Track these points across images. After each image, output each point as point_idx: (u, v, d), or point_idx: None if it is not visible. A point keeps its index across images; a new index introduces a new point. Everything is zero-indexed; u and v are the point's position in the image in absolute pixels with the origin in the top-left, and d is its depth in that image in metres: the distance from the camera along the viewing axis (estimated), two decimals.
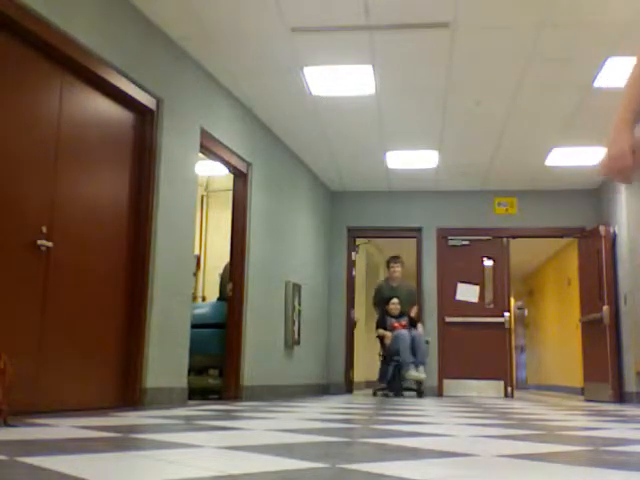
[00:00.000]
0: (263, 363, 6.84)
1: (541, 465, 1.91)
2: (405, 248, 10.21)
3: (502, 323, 9.26)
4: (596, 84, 5.97)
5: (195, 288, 8.45)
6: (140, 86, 4.83)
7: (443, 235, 9.50)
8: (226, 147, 6.20)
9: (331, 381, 9.34)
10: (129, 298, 4.73)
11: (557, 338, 14.51)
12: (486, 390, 9.10)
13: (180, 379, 5.20)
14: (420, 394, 8.63)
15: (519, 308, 19.32)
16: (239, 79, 6.06)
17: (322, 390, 8.96)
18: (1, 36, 3.69)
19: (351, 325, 9.64)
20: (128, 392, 4.64)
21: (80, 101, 4.30)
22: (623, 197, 8.23)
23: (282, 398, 6.96)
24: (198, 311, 6.58)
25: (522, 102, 6.44)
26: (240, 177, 6.68)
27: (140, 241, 4.84)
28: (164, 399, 4.92)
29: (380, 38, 5.24)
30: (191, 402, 5.44)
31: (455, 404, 6.53)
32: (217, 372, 6.54)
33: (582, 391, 9.32)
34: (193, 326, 5.77)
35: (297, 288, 7.85)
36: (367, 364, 12.99)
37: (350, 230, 9.73)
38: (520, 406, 6.45)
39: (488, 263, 9.51)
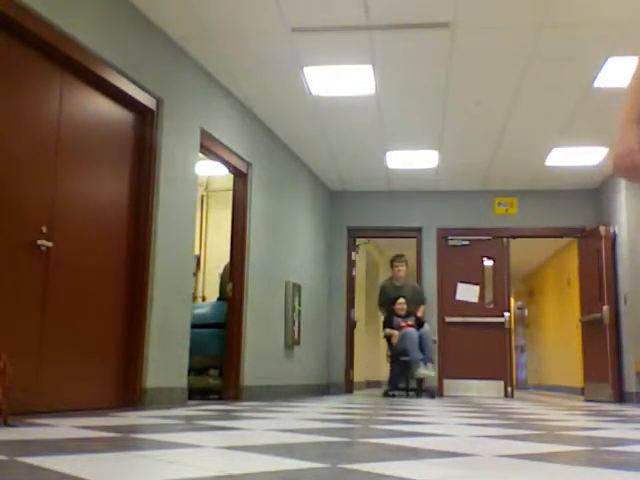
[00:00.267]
0: (263, 363, 6.84)
1: (541, 465, 1.91)
2: (405, 248, 10.20)
3: (502, 323, 9.26)
4: (596, 84, 5.97)
5: (195, 288, 8.45)
6: (140, 86, 4.83)
7: (443, 235, 9.50)
8: (226, 147, 6.20)
9: (331, 381, 9.34)
10: (129, 298, 4.73)
11: (557, 338, 14.51)
12: (486, 390, 9.10)
13: (180, 379, 5.20)
14: (432, 395, 8.54)
15: (519, 308, 19.32)
16: (239, 79, 6.06)
17: (322, 390, 8.96)
18: (1, 36, 3.69)
19: (351, 325, 9.63)
20: (128, 392, 4.64)
21: (80, 101, 4.30)
22: (623, 197, 8.23)
23: (282, 398, 6.96)
24: (198, 311, 6.58)
25: (522, 102, 6.44)
26: (240, 177, 6.68)
27: (140, 241, 4.84)
28: (164, 399, 4.92)
29: (380, 38, 5.24)
30: (191, 402, 5.44)
31: (455, 404, 6.53)
32: (217, 372, 6.54)
33: (582, 391, 9.32)
34: (193, 326, 5.77)
35: (297, 288, 7.85)
36: (367, 364, 12.99)
37: (350, 230, 9.73)
38: (520, 406, 6.45)
39: (488, 263, 9.51)
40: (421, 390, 8.69)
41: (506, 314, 9.29)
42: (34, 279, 3.83)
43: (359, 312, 11.00)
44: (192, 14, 4.94)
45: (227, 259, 6.70)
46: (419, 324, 8.65)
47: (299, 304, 7.90)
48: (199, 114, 5.66)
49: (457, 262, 9.41)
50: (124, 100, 4.73)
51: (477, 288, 9.39)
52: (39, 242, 3.86)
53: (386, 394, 8.63)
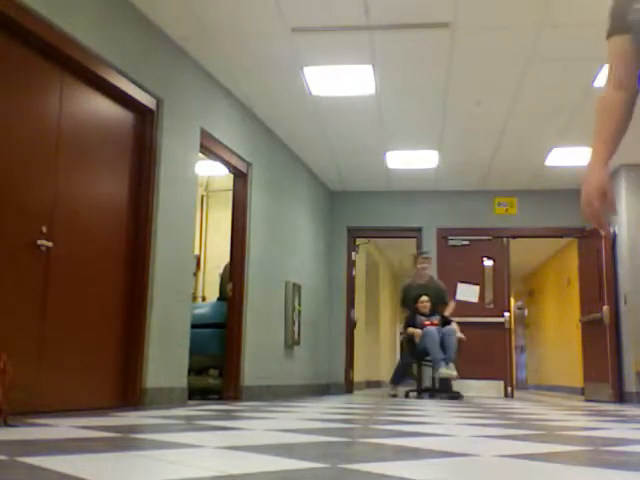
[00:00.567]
0: (263, 363, 6.84)
1: (541, 465, 1.91)
2: (405, 248, 10.21)
3: (502, 323, 9.26)
4: (596, 84, 5.97)
5: (195, 288, 8.44)
6: (140, 86, 4.83)
7: (443, 235, 9.50)
8: (226, 147, 6.20)
9: (331, 381, 9.34)
10: (129, 298, 4.73)
11: (557, 338, 14.51)
12: (486, 390, 9.10)
13: (180, 379, 5.20)
14: (456, 397, 8.12)
15: (519, 308, 19.32)
16: (239, 79, 6.06)
17: (322, 390, 8.96)
18: (1, 36, 3.69)
19: (351, 325, 9.63)
20: (128, 392, 4.64)
21: (80, 101, 4.30)
22: (623, 197, 8.23)
23: (282, 398, 6.96)
24: (198, 311, 6.58)
25: (522, 102, 6.44)
26: (240, 177, 6.68)
27: (140, 241, 4.84)
28: (164, 399, 4.92)
29: (380, 38, 5.24)
30: (191, 402, 5.44)
31: (455, 404, 6.53)
32: (217, 372, 6.54)
33: (582, 391, 9.32)
34: (193, 326, 5.77)
35: (297, 288, 7.85)
36: (367, 364, 12.99)
37: (350, 230, 9.73)
38: (520, 406, 6.45)
39: (488, 263, 9.51)
40: (445, 391, 8.30)
41: (506, 314, 9.29)
42: (34, 279, 3.83)
43: (359, 312, 11.00)
44: (192, 14, 4.94)
45: (227, 259, 6.70)
46: (445, 323, 8.29)
47: (299, 304, 7.90)
48: (199, 114, 5.66)
49: (457, 262, 9.41)
50: (124, 100, 4.73)
51: (477, 288, 9.39)
52: (39, 242, 3.86)
53: (407, 395, 8.37)
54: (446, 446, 2.37)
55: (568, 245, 12.39)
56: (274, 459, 1.89)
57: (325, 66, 5.75)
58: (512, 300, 11.39)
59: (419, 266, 8.69)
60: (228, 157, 6.27)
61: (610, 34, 2.04)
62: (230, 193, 6.76)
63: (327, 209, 9.55)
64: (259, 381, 6.71)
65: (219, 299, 6.84)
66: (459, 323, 8.57)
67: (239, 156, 6.48)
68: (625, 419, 4.39)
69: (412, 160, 8.31)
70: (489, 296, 9.46)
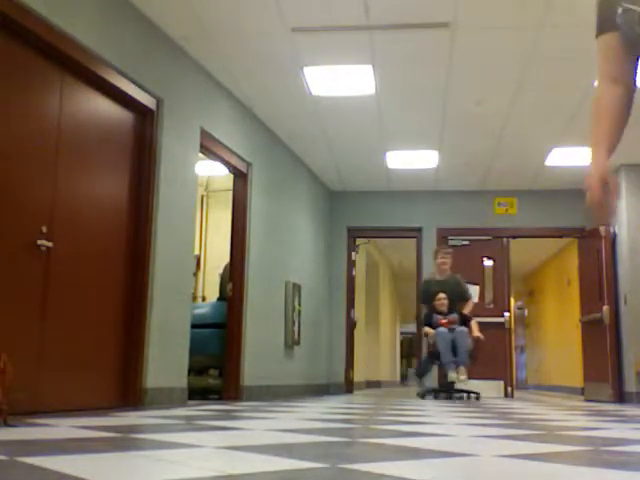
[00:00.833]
0: (263, 363, 6.84)
1: (541, 465, 1.91)
2: (405, 248, 10.20)
3: (502, 323, 9.25)
4: (596, 84, 5.97)
5: (195, 288, 8.44)
6: (140, 86, 4.83)
7: (443, 235, 9.49)
8: (226, 147, 6.20)
9: (331, 381, 9.33)
10: (129, 298, 4.73)
11: (557, 338, 14.51)
12: (486, 390, 9.09)
13: (180, 379, 5.20)
14: (452, 395, 7.92)
15: (519, 308, 19.32)
16: (239, 79, 6.06)
17: (322, 390, 8.96)
18: (1, 36, 3.69)
19: (351, 325, 9.63)
20: (128, 392, 4.64)
21: (80, 101, 4.30)
22: (623, 197, 8.23)
23: (282, 398, 6.96)
24: (198, 311, 6.58)
25: (522, 102, 6.44)
26: (240, 177, 6.68)
27: (140, 241, 4.84)
28: (164, 399, 4.92)
29: (380, 38, 5.24)
30: (191, 402, 5.44)
31: (455, 404, 6.53)
32: (217, 372, 6.54)
33: (582, 391, 9.32)
34: (193, 326, 5.77)
35: (297, 288, 7.85)
36: (367, 364, 12.99)
37: (350, 230, 9.73)
38: (520, 406, 6.45)
39: (488, 263, 9.51)
40: (464, 392, 8.07)
41: (506, 314, 9.28)
42: (34, 279, 3.83)
43: (359, 312, 11.00)
44: (192, 14, 4.94)
45: (227, 259, 6.70)
46: (464, 321, 7.95)
47: (299, 304, 7.90)
48: (199, 114, 5.66)
49: (457, 262, 9.40)
50: (124, 100, 4.73)
51: (477, 288, 9.38)
52: (39, 242, 3.86)
53: (423, 396, 8.07)
54: (446, 446, 2.37)
55: (568, 245, 12.38)
56: (274, 459, 1.89)
57: (325, 66, 5.75)
58: (512, 300, 11.39)
59: (439, 261, 8.28)
60: (228, 157, 6.27)
61: (599, 33, 2.04)
62: (230, 193, 6.76)
63: (327, 209, 9.55)
64: (259, 381, 6.71)
65: (219, 299, 6.84)
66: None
67: (239, 156, 6.47)
68: (625, 419, 4.39)
69: (412, 160, 8.31)
70: (489, 296, 9.46)
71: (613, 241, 8.47)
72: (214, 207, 8.90)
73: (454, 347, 7.65)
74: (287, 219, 7.78)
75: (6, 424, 2.78)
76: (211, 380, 6.50)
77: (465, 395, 8.12)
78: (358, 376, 10.97)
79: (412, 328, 15.88)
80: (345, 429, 3.05)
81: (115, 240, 4.62)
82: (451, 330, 7.73)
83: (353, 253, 9.78)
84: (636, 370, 7.81)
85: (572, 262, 11.36)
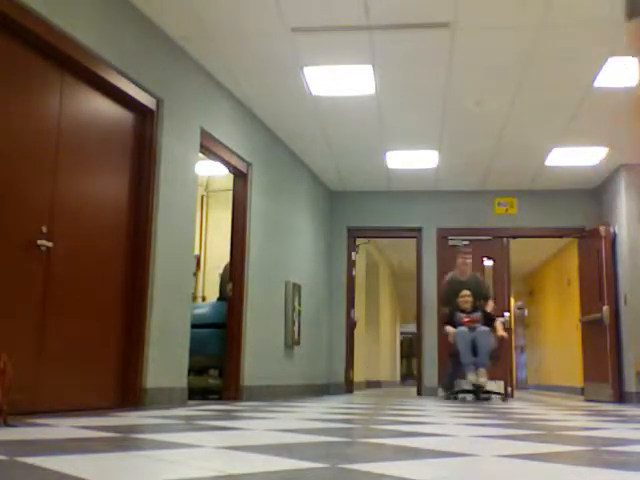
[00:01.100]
0: (263, 363, 6.84)
1: (541, 465, 1.91)
2: (405, 248, 10.20)
3: (502, 323, 9.24)
4: (596, 84, 5.97)
5: (195, 288, 8.44)
6: (140, 86, 4.83)
7: (443, 235, 9.49)
8: (226, 147, 6.20)
9: (331, 381, 9.33)
10: (129, 298, 4.73)
11: (557, 338, 14.51)
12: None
13: (180, 379, 5.20)
14: (481, 397, 7.48)
15: (519, 308, 19.32)
16: (239, 79, 6.06)
17: (322, 390, 8.96)
18: (1, 36, 3.69)
19: (351, 325, 9.63)
20: (128, 392, 4.64)
21: (80, 101, 4.30)
22: (623, 197, 8.23)
23: (282, 398, 6.96)
24: (198, 311, 6.58)
25: (522, 102, 6.44)
26: (240, 177, 6.68)
27: (140, 241, 4.84)
28: (164, 399, 4.92)
29: (380, 38, 5.24)
30: (191, 402, 5.44)
31: (455, 404, 6.53)
32: (217, 372, 6.54)
33: (582, 391, 9.32)
34: (193, 326, 5.77)
35: (297, 288, 7.85)
36: (367, 364, 13.00)
37: (350, 230, 9.73)
38: (520, 406, 6.45)
39: (488, 263, 9.51)
40: (489, 393, 7.70)
41: (506, 314, 9.28)
42: (34, 279, 3.83)
43: (359, 312, 11.00)
44: (192, 14, 4.94)
45: (227, 259, 6.70)
46: (487, 320, 7.72)
47: (299, 304, 7.90)
48: (199, 114, 5.66)
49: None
50: (124, 100, 4.73)
51: None
52: (39, 242, 3.86)
53: (449, 397, 7.79)
54: (446, 446, 2.37)
55: (568, 245, 12.38)
56: (274, 459, 1.89)
57: (325, 66, 5.75)
58: (512, 300, 11.39)
59: (459, 261, 8.14)
60: (228, 157, 6.27)
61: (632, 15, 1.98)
62: (230, 193, 6.76)
63: (327, 209, 9.55)
64: (259, 381, 6.71)
65: (219, 299, 6.84)
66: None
67: (239, 156, 6.47)
68: (625, 419, 4.39)
69: (412, 160, 8.31)
70: None
71: (613, 241, 8.47)
72: (214, 207, 8.90)
73: (474, 347, 7.41)
74: (287, 219, 7.78)
75: (6, 424, 2.78)
76: (211, 380, 6.50)
77: (486, 396, 7.75)
78: (358, 376, 10.97)
79: (412, 328, 15.86)
80: (345, 429, 3.05)
81: (115, 240, 4.62)
82: (472, 329, 7.52)
83: (353, 253, 9.78)
84: (636, 370, 7.80)
85: (572, 262, 11.36)
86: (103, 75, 4.41)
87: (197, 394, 6.26)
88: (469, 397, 7.71)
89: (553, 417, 4.51)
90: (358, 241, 10.07)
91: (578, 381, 10.82)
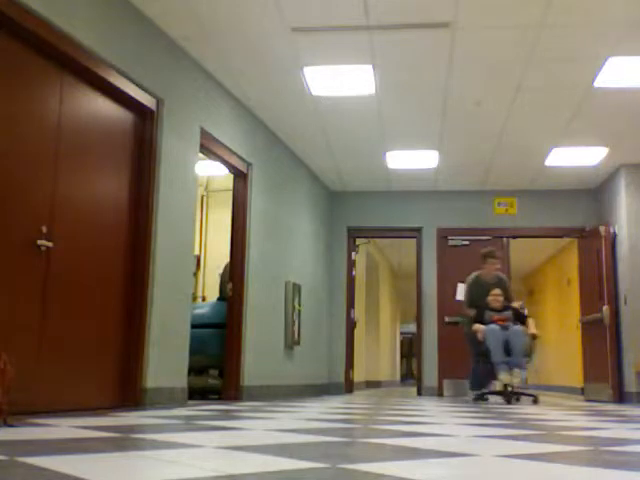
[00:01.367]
0: (263, 363, 6.84)
1: (541, 465, 1.91)
2: (405, 248, 10.20)
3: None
4: (596, 84, 5.97)
5: (195, 288, 8.45)
6: (140, 86, 4.83)
7: (443, 235, 9.50)
8: (226, 147, 6.20)
9: (331, 381, 9.33)
10: (129, 298, 4.73)
11: (557, 338, 14.51)
12: None
13: (180, 379, 5.20)
14: (511, 399, 7.03)
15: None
16: (239, 79, 6.06)
17: (322, 390, 8.96)
18: (1, 36, 3.69)
19: (351, 325, 9.63)
20: (128, 392, 4.64)
21: (80, 101, 4.30)
22: (623, 197, 8.23)
23: (282, 398, 6.96)
24: (198, 311, 6.58)
25: (522, 102, 6.44)
26: (240, 177, 6.68)
27: (140, 241, 4.84)
28: (164, 399, 4.92)
29: (380, 38, 5.24)
30: (191, 402, 5.44)
31: (455, 404, 6.53)
32: (217, 372, 6.54)
33: (582, 391, 9.32)
34: (193, 326, 5.77)
35: (297, 288, 7.85)
36: (367, 364, 13.00)
37: (350, 230, 9.73)
38: (520, 406, 6.45)
39: None
40: (519, 394, 7.23)
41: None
42: (34, 279, 3.83)
43: (359, 312, 11.00)
44: (192, 14, 4.94)
45: (227, 259, 6.70)
46: (518, 318, 7.38)
47: (299, 304, 7.90)
48: (199, 114, 5.66)
49: (457, 262, 9.41)
50: (124, 100, 4.73)
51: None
52: (39, 242, 3.86)
53: (477, 398, 7.36)
54: (446, 446, 2.37)
55: (568, 245, 12.39)
56: (274, 459, 1.89)
57: (325, 66, 5.75)
58: None
59: (489, 266, 7.77)
60: (228, 157, 6.27)
61: None
62: (230, 193, 6.76)
63: (327, 209, 9.55)
64: (259, 381, 6.71)
65: (219, 299, 6.84)
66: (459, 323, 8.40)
67: (239, 156, 6.48)
68: (625, 419, 4.39)
69: (412, 160, 8.31)
70: None
71: (613, 241, 8.47)
72: (214, 207, 8.91)
73: (507, 347, 7.04)
74: (287, 219, 7.78)
75: (6, 424, 2.78)
76: (211, 380, 6.50)
77: (517, 398, 7.27)
78: (358, 376, 10.97)
79: (412, 328, 15.86)
80: (345, 429, 3.05)
81: (115, 240, 4.62)
82: (504, 328, 7.13)
83: (353, 253, 9.78)
84: (636, 370, 7.80)
85: (572, 262, 11.36)
86: (103, 75, 4.41)
87: (197, 394, 6.27)
88: (499, 399, 7.28)
89: (553, 417, 4.51)
90: (358, 241, 10.07)
91: (578, 381, 10.82)
